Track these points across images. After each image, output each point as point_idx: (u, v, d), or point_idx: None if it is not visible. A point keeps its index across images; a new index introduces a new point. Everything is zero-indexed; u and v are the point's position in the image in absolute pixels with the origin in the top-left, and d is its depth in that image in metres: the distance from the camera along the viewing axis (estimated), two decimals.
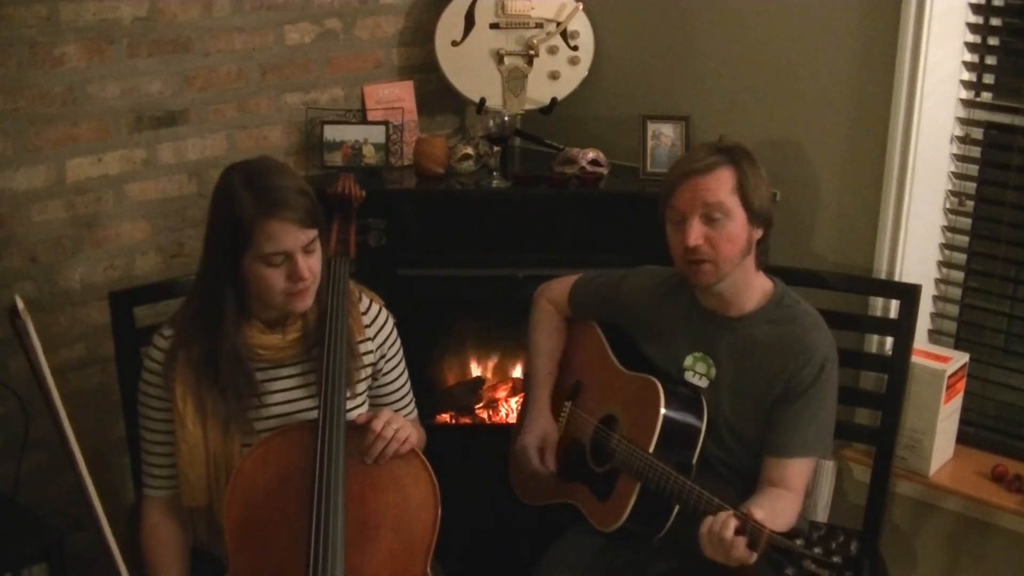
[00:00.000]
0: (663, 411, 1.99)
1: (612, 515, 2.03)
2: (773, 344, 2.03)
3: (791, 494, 1.96)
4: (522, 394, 3.02)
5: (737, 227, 1.97)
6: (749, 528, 1.68)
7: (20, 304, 1.50)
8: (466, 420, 3.10)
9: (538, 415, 2.30)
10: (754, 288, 2.07)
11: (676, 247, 2.02)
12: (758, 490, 1.99)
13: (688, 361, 2.10)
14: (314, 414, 1.85)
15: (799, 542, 1.62)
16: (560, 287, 2.36)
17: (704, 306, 2.10)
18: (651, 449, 1.97)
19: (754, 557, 1.68)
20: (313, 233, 1.83)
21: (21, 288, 2.40)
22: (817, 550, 1.60)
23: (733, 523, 1.70)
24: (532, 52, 2.95)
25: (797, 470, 1.99)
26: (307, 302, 1.87)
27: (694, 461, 1.99)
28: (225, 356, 1.84)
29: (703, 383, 2.08)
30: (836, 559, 1.58)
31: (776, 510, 1.86)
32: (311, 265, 1.84)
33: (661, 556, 2.09)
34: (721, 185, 1.96)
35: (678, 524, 1.97)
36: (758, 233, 2.02)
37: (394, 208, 2.72)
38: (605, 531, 2.05)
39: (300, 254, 1.81)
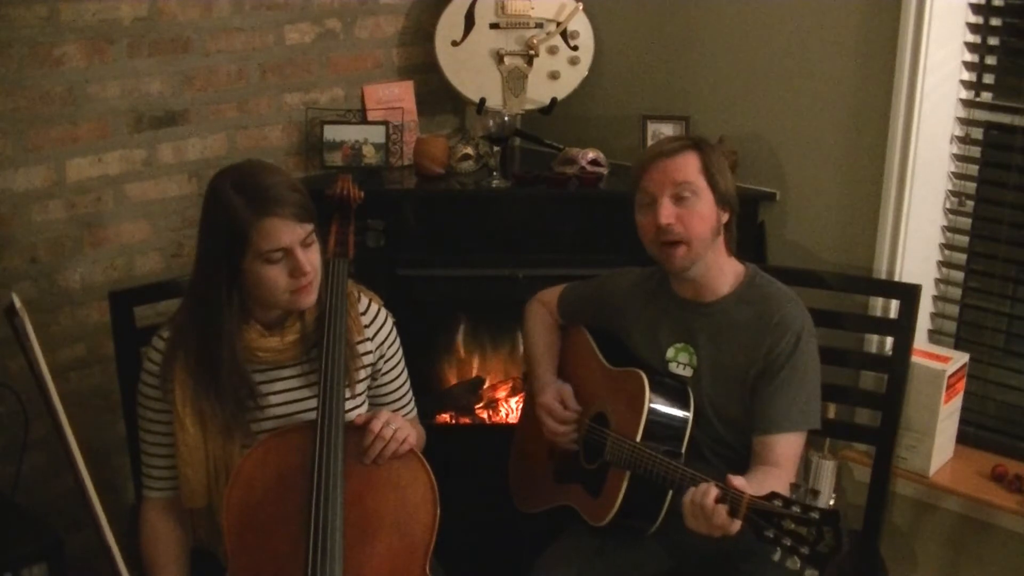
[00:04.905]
0: (648, 401, 2.01)
1: (603, 508, 2.04)
2: (749, 323, 2.06)
3: (779, 470, 1.96)
4: (522, 394, 3.03)
5: (706, 206, 2.03)
6: (730, 496, 1.71)
7: (17, 302, 1.48)
8: (466, 420, 3.10)
9: (546, 380, 2.27)
10: (726, 272, 2.11)
11: (647, 230, 2.06)
12: (748, 470, 1.99)
13: (670, 353, 2.13)
14: (314, 415, 1.85)
15: (778, 503, 1.64)
16: (549, 296, 2.39)
17: (680, 296, 2.13)
18: (638, 438, 1.99)
19: (736, 525, 1.70)
20: (309, 227, 1.82)
21: (21, 288, 2.40)
22: (795, 508, 1.62)
23: (714, 492, 1.73)
24: (532, 52, 2.95)
25: (784, 446, 2.00)
26: (312, 297, 1.86)
27: (683, 450, 2.00)
28: (224, 362, 1.83)
29: (687, 372, 2.11)
30: (814, 514, 1.60)
31: (765, 486, 1.86)
32: (311, 259, 1.83)
33: (659, 556, 2.10)
34: (689, 165, 2.03)
35: (673, 522, 1.97)
36: (725, 216, 2.08)
37: (394, 208, 2.72)
38: (599, 525, 2.05)
39: (299, 249, 1.81)
